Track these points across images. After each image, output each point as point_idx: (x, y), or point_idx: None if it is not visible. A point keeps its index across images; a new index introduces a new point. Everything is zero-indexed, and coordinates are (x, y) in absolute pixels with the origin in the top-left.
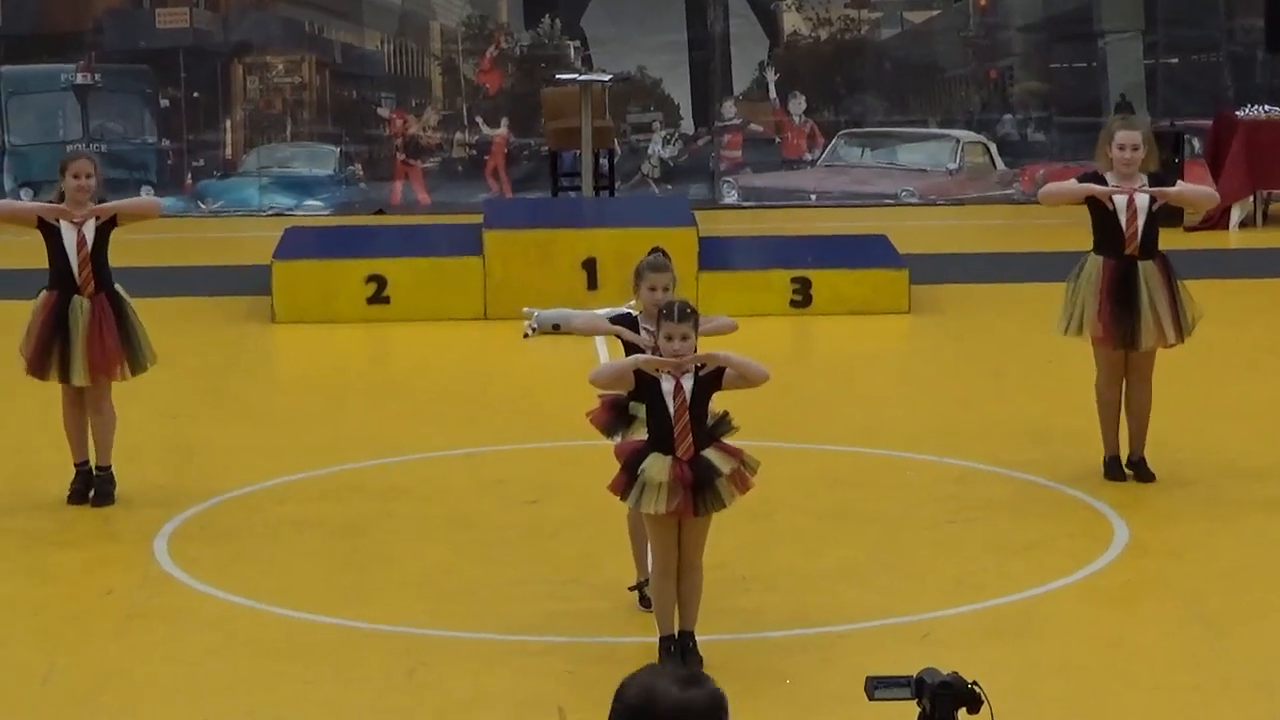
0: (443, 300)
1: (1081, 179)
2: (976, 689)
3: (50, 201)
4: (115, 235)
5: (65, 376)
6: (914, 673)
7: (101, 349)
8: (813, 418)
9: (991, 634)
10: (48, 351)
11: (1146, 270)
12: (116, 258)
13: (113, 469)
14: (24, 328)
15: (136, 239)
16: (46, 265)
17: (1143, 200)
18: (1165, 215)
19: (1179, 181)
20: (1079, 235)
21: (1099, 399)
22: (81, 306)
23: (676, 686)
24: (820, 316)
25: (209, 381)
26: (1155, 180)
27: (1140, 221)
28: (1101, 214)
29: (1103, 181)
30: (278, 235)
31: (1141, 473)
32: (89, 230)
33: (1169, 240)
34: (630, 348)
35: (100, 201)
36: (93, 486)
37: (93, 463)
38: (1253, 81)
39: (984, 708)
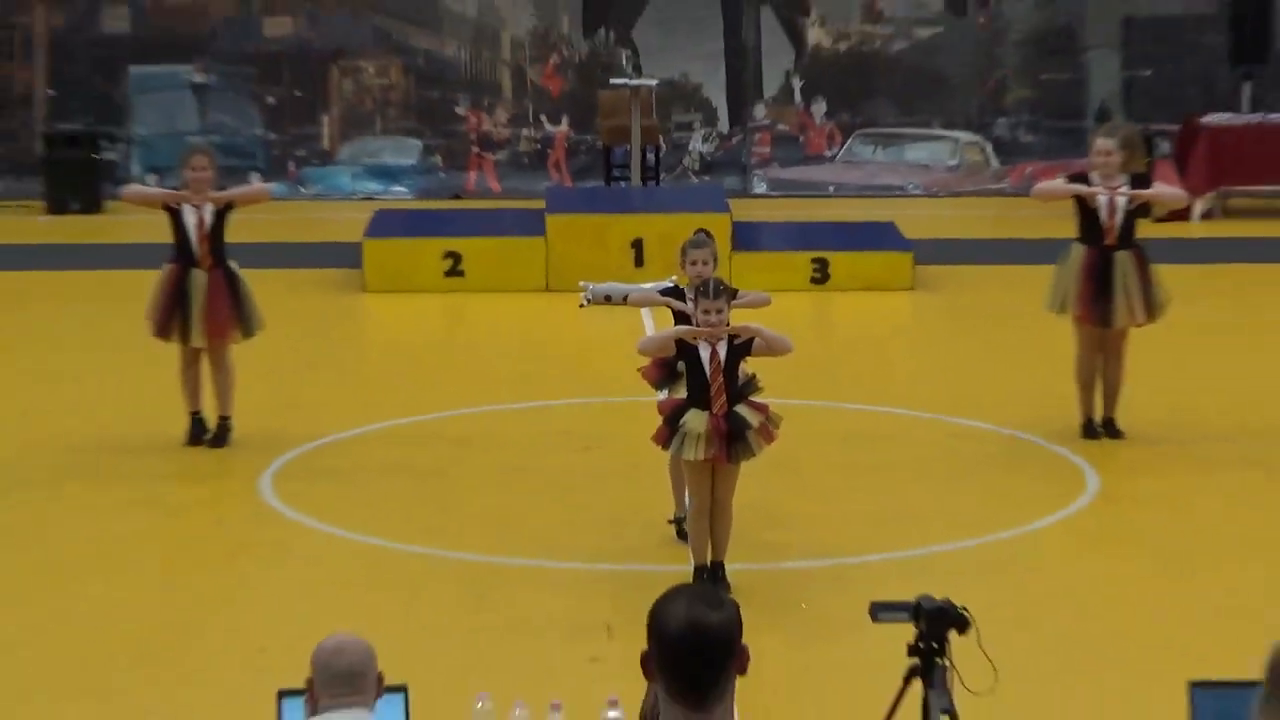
0: (510, 274)
1: (1070, 178)
2: (965, 613)
3: (175, 189)
4: (230, 217)
5: (185, 338)
6: (912, 599)
7: (217, 315)
8: (829, 380)
9: (980, 567)
10: (170, 317)
11: (1123, 259)
12: (230, 235)
13: (231, 418)
14: (150, 295)
15: (247, 219)
16: (171, 241)
17: (1122, 199)
18: (1138, 208)
19: (1155, 183)
20: (1059, 224)
21: (1077, 369)
22: (200, 278)
23: (714, 611)
24: (836, 292)
25: (309, 343)
26: (1136, 179)
27: (1118, 218)
28: (1086, 210)
29: (1088, 181)
30: (368, 217)
31: (1111, 431)
32: (208, 214)
33: (1140, 230)
34: (678, 317)
35: (220, 189)
36: (213, 431)
37: (212, 413)
38: (1215, 91)
39: (971, 630)
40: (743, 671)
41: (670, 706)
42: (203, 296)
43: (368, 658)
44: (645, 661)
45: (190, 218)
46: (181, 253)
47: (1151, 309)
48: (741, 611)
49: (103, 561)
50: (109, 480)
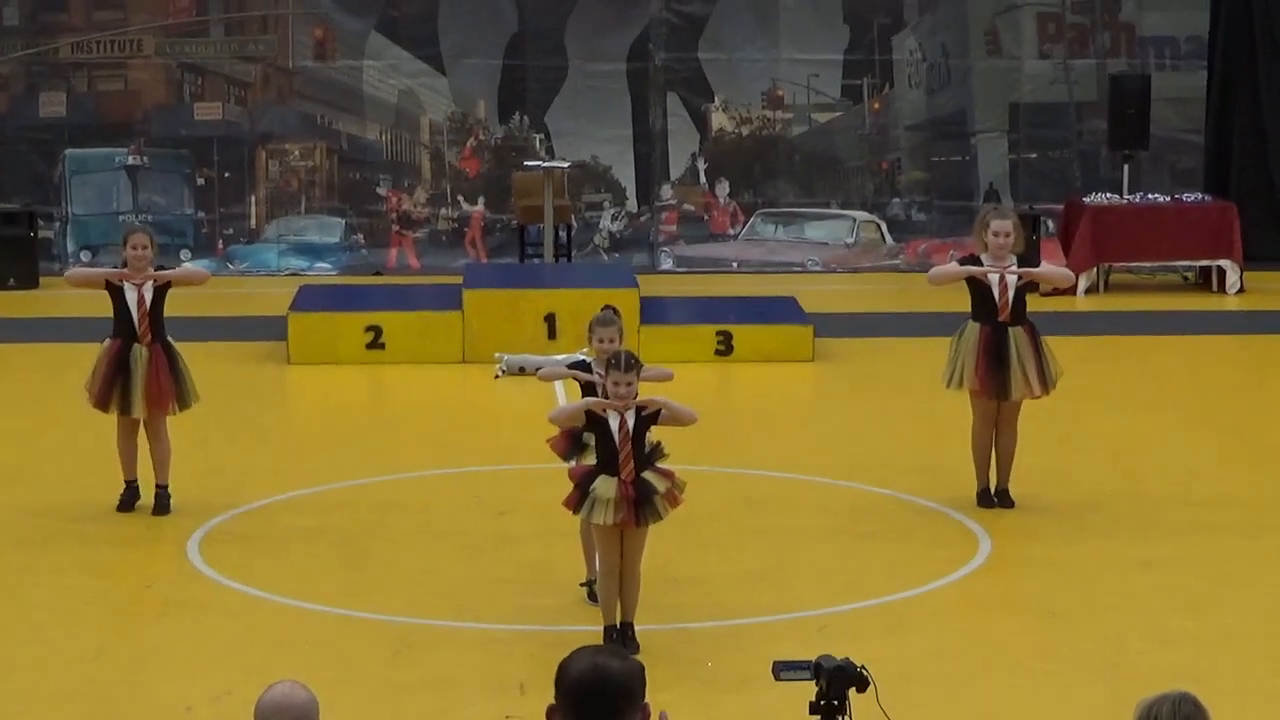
0: (428, 346)
1: (961, 261)
2: (865, 672)
3: (115, 267)
4: (167, 295)
5: (126, 409)
6: (813, 658)
7: (158, 388)
8: (733, 447)
9: (878, 627)
10: (111, 389)
11: (1016, 334)
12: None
13: (169, 486)
14: (90, 368)
15: (177, 294)
16: (111, 316)
17: (1012, 277)
18: (1027, 285)
19: (1042, 262)
20: (951, 298)
21: (973, 441)
22: (140, 353)
23: (616, 660)
24: (739, 363)
25: (235, 412)
26: (1023, 259)
27: (1010, 295)
28: (979, 289)
29: (979, 262)
30: (293, 292)
31: (1004, 501)
32: (147, 291)
33: (1028, 303)
34: (586, 388)
35: (158, 268)
36: (153, 500)
37: (149, 482)
38: (1097, 173)
39: (870, 688)
40: None
41: None
42: (144, 370)
43: (311, 715)
44: (550, 715)
45: (131, 295)
46: (122, 328)
47: (1046, 381)
48: (648, 670)
49: (36, 623)
50: (44, 545)
